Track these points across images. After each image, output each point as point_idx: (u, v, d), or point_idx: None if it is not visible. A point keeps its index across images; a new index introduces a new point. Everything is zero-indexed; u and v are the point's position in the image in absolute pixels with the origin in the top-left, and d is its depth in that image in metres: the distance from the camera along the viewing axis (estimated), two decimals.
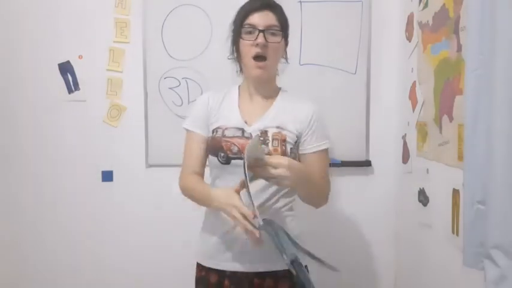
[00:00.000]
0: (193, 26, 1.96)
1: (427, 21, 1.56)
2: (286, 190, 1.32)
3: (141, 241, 2.04)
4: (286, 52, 1.38)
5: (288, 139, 1.29)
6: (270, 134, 1.28)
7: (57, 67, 2.00)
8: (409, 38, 1.81)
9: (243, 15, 1.29)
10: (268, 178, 1.13)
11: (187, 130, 1.38)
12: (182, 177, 1.37)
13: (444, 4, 1.41)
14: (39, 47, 2.00)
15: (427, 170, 1.57)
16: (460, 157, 1.25)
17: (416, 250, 1.72)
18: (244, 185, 1.08)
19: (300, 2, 1.93)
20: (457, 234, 1.29)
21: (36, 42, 2.00)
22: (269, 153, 1.22)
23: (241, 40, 1.29)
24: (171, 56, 1.97)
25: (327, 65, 1.95)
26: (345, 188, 2.01)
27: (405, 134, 1.85)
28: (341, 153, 1.94)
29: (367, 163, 1.99)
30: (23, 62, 2.01)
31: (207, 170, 1.39)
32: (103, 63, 1.99)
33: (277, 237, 1.07)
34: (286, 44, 1.37)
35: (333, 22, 1.94)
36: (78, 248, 2.06)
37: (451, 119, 1.34)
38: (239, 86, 1.41)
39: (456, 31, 1.31)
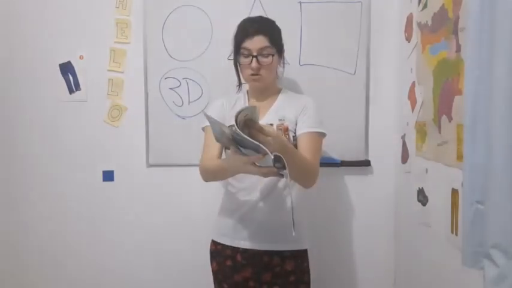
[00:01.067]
0: (193, 26, 1.96)
1: (426, 21, 1.57)
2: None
3: (142, 241, 2.05)
4: (284, 57, 1.60)
5: (290, 128, 1.51)
6: (275, 126, 1.49)
7: (58, 67, 2.01)
8: (408, 39, 1.82)
9: (239, 39, 1.49)
10: (257, 140, 1.23)
11: (205, 128, 1.56)
12: (201, 162, 1.55)
13: (443, 5, 1.41)
14: (40, 47, 2.01)
15: (426, 170, 1.58)
16: (459, 157, 1.25)
17: (416, 250, 1.72)
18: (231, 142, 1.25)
19: (300, 2, 1.94)
20: (456, 234, 1.29)
21: (37, 43, 2.01)
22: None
23: (239, 60, 1.52)
24: (171, 57, 1.98)
25: (327, 65, 1.95)
26: (344, 187, 2.02)
27: (404, 134, 1.86)
28: (340, 153, 1.95)
29: (366, 163, 1.99)
30: (24, 62, 2.02)
31: None
32: (104, 64, 2.00)
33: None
34: (282, 52, 1.57)
35: (332, 22, 1.95)
36: (78, 247, 2.06)
37: (450, 119, 1.35)
38: (247, 91, 1.64)
39: (455, 32, 1.31)
